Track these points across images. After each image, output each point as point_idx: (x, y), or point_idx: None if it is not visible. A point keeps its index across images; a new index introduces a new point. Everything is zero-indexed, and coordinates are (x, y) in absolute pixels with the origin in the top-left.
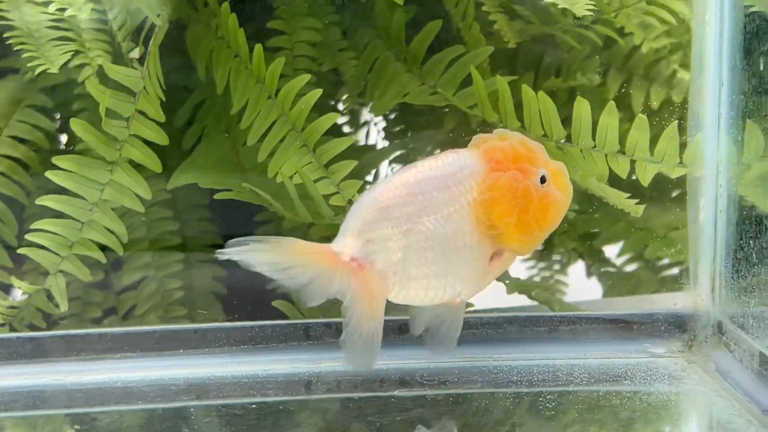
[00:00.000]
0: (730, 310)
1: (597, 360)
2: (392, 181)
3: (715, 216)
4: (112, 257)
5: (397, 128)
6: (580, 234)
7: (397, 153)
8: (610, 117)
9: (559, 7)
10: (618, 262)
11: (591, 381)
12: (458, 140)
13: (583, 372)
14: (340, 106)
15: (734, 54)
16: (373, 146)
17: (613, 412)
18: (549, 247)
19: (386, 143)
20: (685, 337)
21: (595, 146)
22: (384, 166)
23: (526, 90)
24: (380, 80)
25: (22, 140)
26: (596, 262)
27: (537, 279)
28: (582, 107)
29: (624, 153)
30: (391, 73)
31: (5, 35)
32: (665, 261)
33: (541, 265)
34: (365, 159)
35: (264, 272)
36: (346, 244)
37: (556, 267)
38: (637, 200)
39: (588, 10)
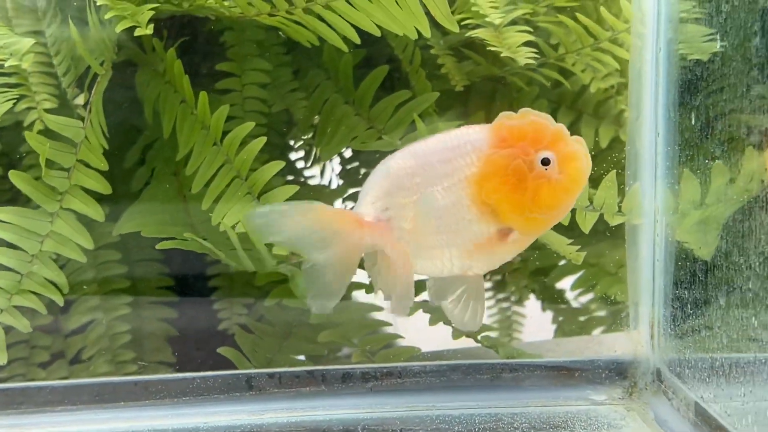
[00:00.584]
0: (668, 357)
1: (538, 408)
2: (406, 151)
3: (653, 264)
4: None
5: (351, 165)
6: (532, 270)
7: (351, 191)
8: None
9: (502, 55)
10: (570, 297)
11: (531, 429)
12: None
13: (524, 421)
14: (293, 144)
15: (669, 107)
16: (326, 186)
17: None
18: (503, 282)
19: (341, 180)
20: (626, 384)
21: None
22: (338, 204)
23: None
24: (329, 122)
25: None
26: (548, 298)
27: (495, 311)
28: None
29: None
30: (339, 115)
31: None
32: (614, 297)
33: (500, 296)
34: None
35: (285, 240)
36: (366, 211)
37: (513, 299)
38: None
39: (530, 57)
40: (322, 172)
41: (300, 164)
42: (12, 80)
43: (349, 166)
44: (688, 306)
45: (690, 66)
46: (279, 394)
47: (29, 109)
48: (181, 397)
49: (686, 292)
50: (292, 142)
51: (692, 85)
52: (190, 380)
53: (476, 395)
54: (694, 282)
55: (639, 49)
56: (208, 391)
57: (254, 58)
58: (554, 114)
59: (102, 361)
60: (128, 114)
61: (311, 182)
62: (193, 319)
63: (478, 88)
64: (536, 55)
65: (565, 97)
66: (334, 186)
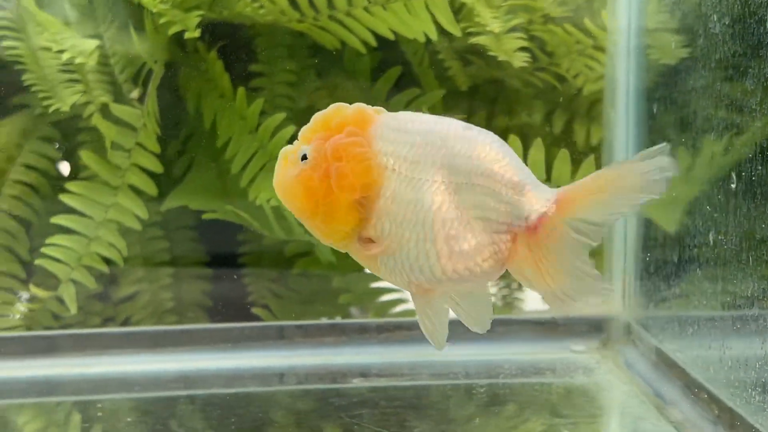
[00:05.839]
0: (636, 313)
1: (526, 356)
2: None
3: (625, 235)
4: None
5: None
6: None
7: None
8: (538, 151)
9: (499, 59)
10: None
11: (520, 373)
12: None
13: (514, 366)
14: None
15: (638, 102)
16: None
17: (534, 397)
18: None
19: None
20: (602, 336)
21: None
22: None
23: None
24: None
25: (32, 167)
26: None
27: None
28: (514, 143)
29: (550, 181)
30: None
31: (23, 78)
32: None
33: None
34: None
35: None
36: None
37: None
38: None
39: (525, 61)
40: None
41: None
42: (75, 77)
43: None
44: (651, 269)
45: (656, 68)
46: (305, 342)
47: (87, 103)
48: (219, 343)
49: (649, 259)
50: None
51: (659, 83)
52: (229, 329)
53: (473, 345)
54: (656, 249)
55: (614, 55)
56: (243, 339)
57: (283, 60)
58: (551, 114)
59: (148, 324)
60: (170, 109)
61: None
62: (226, 289)
63: (481, 89)
64: (530, 60)
65: (562, 98)
66: None
